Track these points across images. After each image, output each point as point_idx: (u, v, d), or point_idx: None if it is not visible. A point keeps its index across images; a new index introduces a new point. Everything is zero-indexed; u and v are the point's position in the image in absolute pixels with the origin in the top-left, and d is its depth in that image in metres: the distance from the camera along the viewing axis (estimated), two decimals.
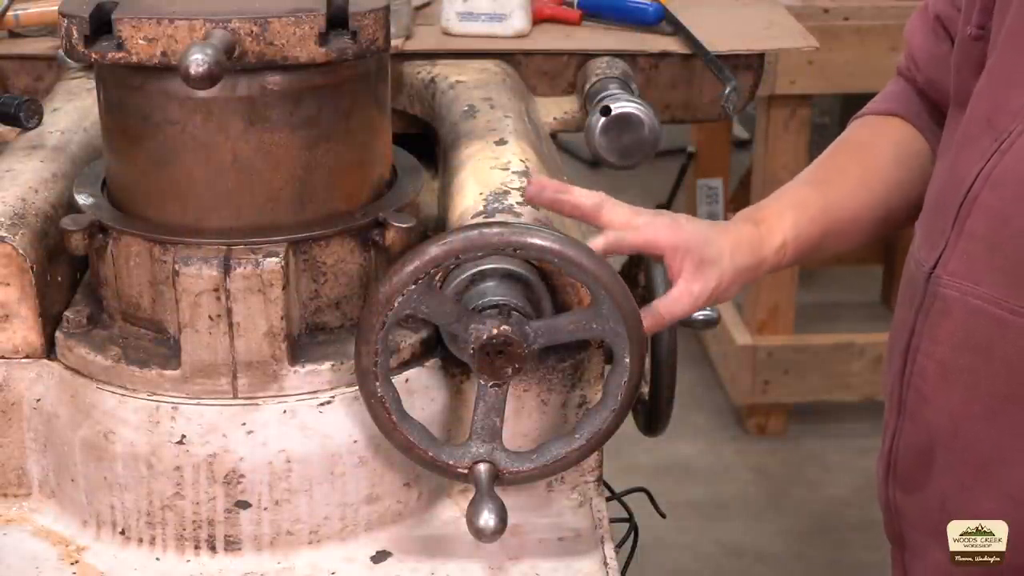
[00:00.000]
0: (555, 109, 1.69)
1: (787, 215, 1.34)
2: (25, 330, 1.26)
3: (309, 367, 1.23)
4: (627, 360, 1.18)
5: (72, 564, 1.22)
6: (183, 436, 1.21)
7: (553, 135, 1.67)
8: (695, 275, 1.25)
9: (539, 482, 1.27)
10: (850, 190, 1.39)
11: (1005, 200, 1.19)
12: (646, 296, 1.36)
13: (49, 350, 1.27)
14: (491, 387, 1.18)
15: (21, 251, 1.23)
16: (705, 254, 1.25)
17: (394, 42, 1.46)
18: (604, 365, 1.28)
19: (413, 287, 1.14)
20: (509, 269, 1.22)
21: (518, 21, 1.74)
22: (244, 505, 1.21)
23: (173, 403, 1.21)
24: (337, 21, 1.19)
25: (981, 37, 1.25)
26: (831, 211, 1.37)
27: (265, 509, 1.22)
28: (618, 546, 1.31)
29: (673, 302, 1.25)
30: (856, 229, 1.40)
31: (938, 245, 1.26)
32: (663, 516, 1.59)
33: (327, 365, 1.23)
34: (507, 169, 1.36)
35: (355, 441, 1.23)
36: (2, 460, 1.28)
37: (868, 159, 1.42)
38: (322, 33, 1.18)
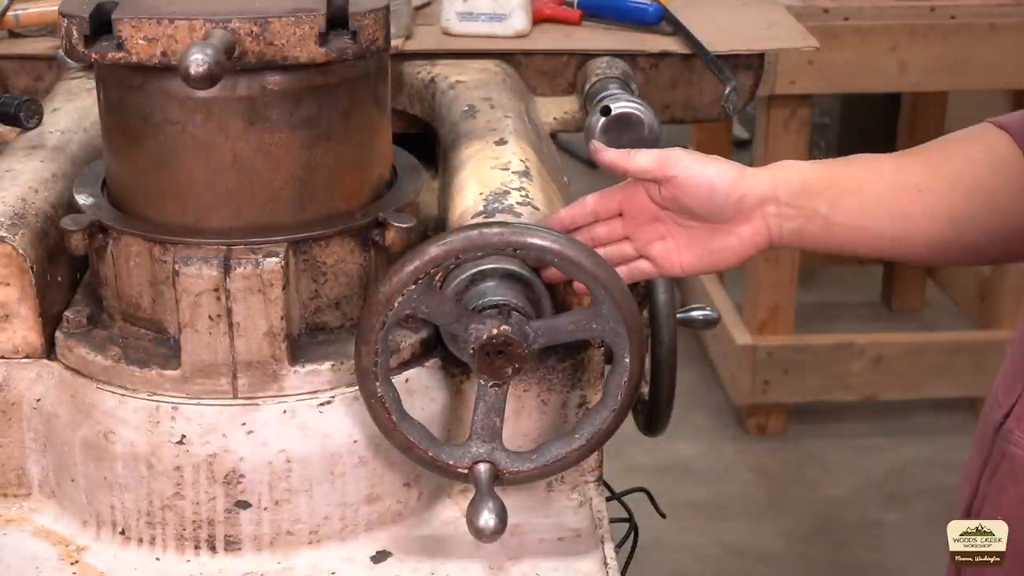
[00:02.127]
0: (555, 109, 1.69)
1: (805, 162, 1.20)
2: (25, 330, 1.26)
3: (309, 367, 1.23)
4: (627, 360, 1.18)
5: (72, 564, 1.22)
6: (183, 436, 1.21)
7: (553, 135, 1.67)
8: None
9: (539, 482, 1.27)
10: (899, 168, 1.19)
11: None
12: (646, 296, 1.36)
13: (49, 350, 1.27)
14: (491, 387, 1.18)
15: (21, 251, 1.23)
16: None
17: (394, 42, 1.46)
18: (604, 365, 1.28)
19: (413, 287, 1.14)
20: (509, 269, 1.22)
21: (518, 21, 1.74)
22: (244, 505, 1.21)
23: (173, 403, 1.21)
24: (337, 21, 1.19)
25: None
26: (865, 173, 1.18)
27: (265, 509, 1.22)
28: (618, 546, 1.31)
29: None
30: (895, 206, 1.16)
31: (1014, 389, 1.12)
32: (663, 516, 1.59)
33: (327, 365, 1.23)
34: (507, 169, 1.36)
35: (355, 441, 1.23)
36: (2, 460, 1.28)
37: (942, 150, 1.21)
38: (322, 33, 1.18)
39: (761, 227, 1.16)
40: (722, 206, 1.15)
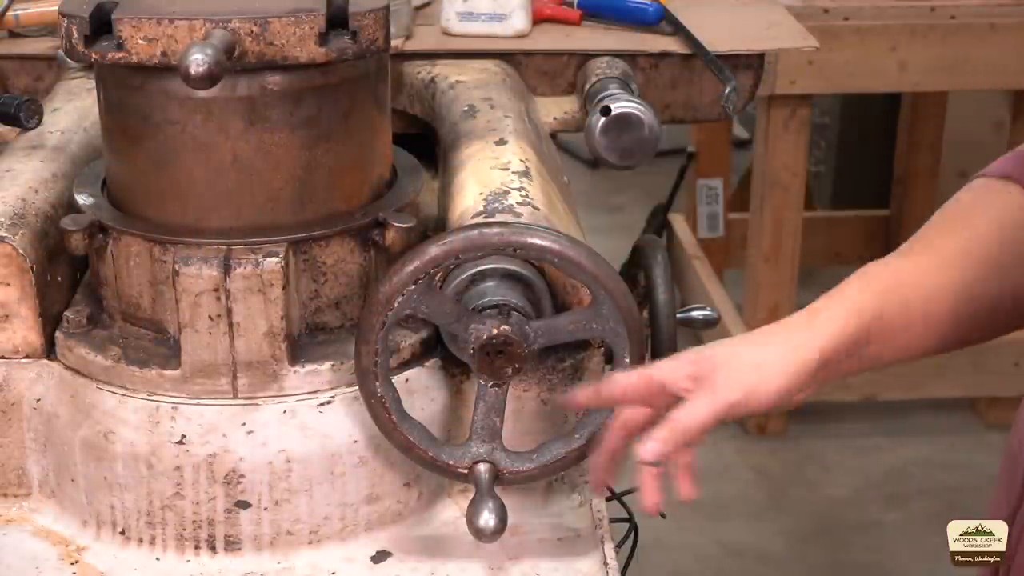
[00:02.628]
0: (555, 109, 1.69)
1: (851, 283, 1.16)
2: (25, 330, 1.26)
3: (309, 367, 1.23)
4: (627, 360, 1.18)
5: (72, 564, 1.22)
6: (183, 436, 1.21)
7: (553, 135, 1.67)
8: (700, 386, 1.08)
9: (539, 482, 1.27)
10: (938, 265, 1.14)
11: None
12: (646, 296, 1.36)
13: (49, 350, 1.27)
14: (491, 387, 1.18)
15: (21, 251, 1.23)
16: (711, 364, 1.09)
17: (394, 42, 1.46)
18: (604, 365, 1.28)
19: (413, 287, 1.14)
20: (509, 269, 1.22)
21: (518, 21, 1.74)
22: (244, 505, 1.21)
23: (173, 403, 1.21)
24: (337, 21, 1.19)
25: None
26: (912, 281, 1.14)
27: (265, 509, 1.22)
28: (618, 546, 1.31)
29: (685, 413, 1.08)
30: (928, 321, 1.13)
31: None
32: (663, 516, 1.59)
33: (327, 365, 1.23)
34: (507, 169, 1.36)
35: (355, 441, 1.23)
36: (2, 460, 1.28)
37: (966, 229, 1.16)
38: (322, 33, 1.18)
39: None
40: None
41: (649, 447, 1.06)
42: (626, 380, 1.12)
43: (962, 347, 1.18)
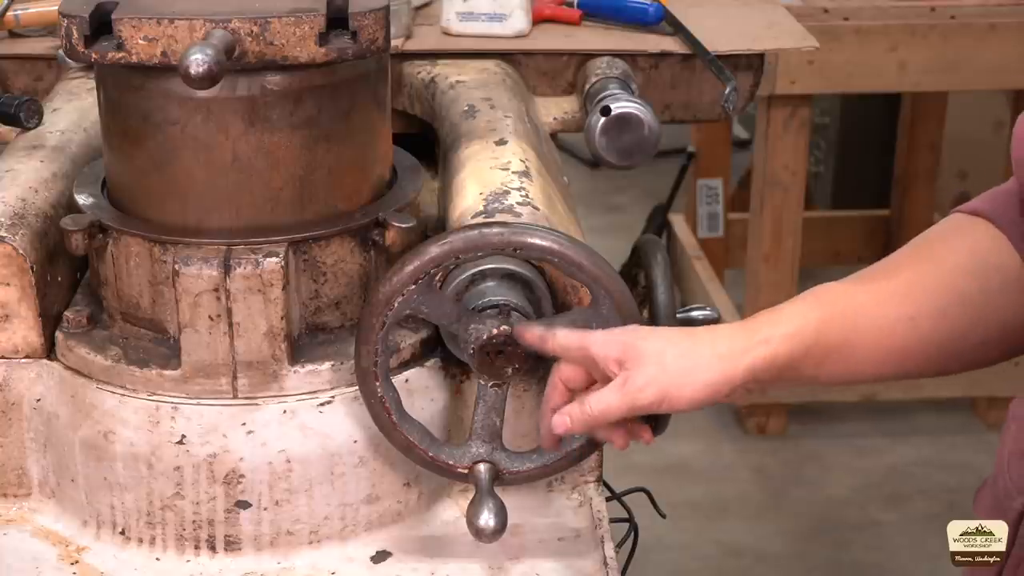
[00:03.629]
0: (555, 109, 1.69)
1: (796, 304, 1.16)
2: (25, 330, 1.26)
3: (309, 367, 1.23)
4: None
5: (72, 564, 1.22)
6: (183, 436, 1.21)
7: (553, 135, 1.67)
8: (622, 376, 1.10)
9: (539, 482, 1.27)
10: (892, 294, 1.13)
11: None
12: (646, 296, 1.36)
13: (49, 350, 1.27)
14: (491, 387, 1.18)
15: (21, 251, 1.23)
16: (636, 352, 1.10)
17: (394, 42, 1.46)
18: None
19: (413, 287, 1.14)
20: (509, 269, 1.22)
21: (518, 21, 1.74)
22: (244, 505, 1.21)
23: (173, 403, 1.21)
24: (337, 21, 1.19)
25: None
26: (860, 310, 1.12)
27: (265, 509, 1.22)
28: (618, 546, 1.31)
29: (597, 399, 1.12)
30: (876, 349, 1.12)
31: None
32: (663, 516, 1.59)
33: (327, 365, 1.23)
34: (507, 169, 1.36)
35: (355, 441, 1.23)
36: (2, 460, 1.28)
37: (929, 261, 1.15)
38: (322, 33, 1.18)
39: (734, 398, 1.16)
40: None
41: (558, 421, 1.14)
42: (566, 340, 1.14)
43: (942, 375, 1.17)
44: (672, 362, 1.10)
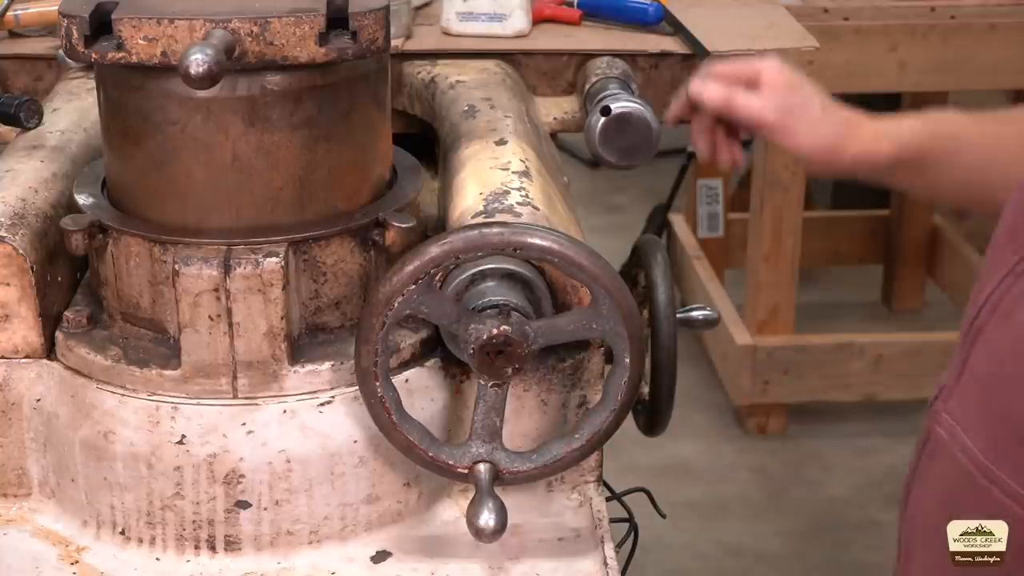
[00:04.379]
0: (555, 109, 1.69)
1: (914, 117, 1.29)
2: (25, 330, 1.26)
3: (309, 367, 1.23)
4: (627, 360, 1.18)
5: (72, 564, 1.22)
6: (183, 436, 1.21)
7: (553, 135, 1.67)
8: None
9: (539, 482, 1.27)
10: (998, 136, 1.28)
11: (1004, 337, 1.03)
12: (646, 296, 1.36)
13: (49, 350, 1.27)
14: (491, 387, 1.18)
15: (21, 251, 1.23)
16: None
17: (394, 42, 1.46)
18: (604, 365, 1.28)
19: (413, 287, 1.14)
20: (509, 269, 1.22)
21: (518, 21, 1.74)
22: (244, 505, 1.21)
23: (173, 403, 1.21)
24: (337, 21, 1.19)
25: None
26: (968, 137, 1.28)
27: (265, 509, 1.22)
28: (618, 546, 1.31)
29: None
30: (982, 175, 1.27)
31: (949, 371, 1.11)
32: (663, 516, 1.59)
33: (327, 365, 1.23)
34: (507, 169, 1.36)
35: (355, 441, 1.23)
36: (2, 460, 1.28)
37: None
38: (322, 33, 1.18)
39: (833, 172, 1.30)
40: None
41: (698, 85, 1.30)
42: (729, 67, 1.30)
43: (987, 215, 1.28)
44: (813, 105, 1.29)
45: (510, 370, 1.16)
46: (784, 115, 1.26)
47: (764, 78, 1.28)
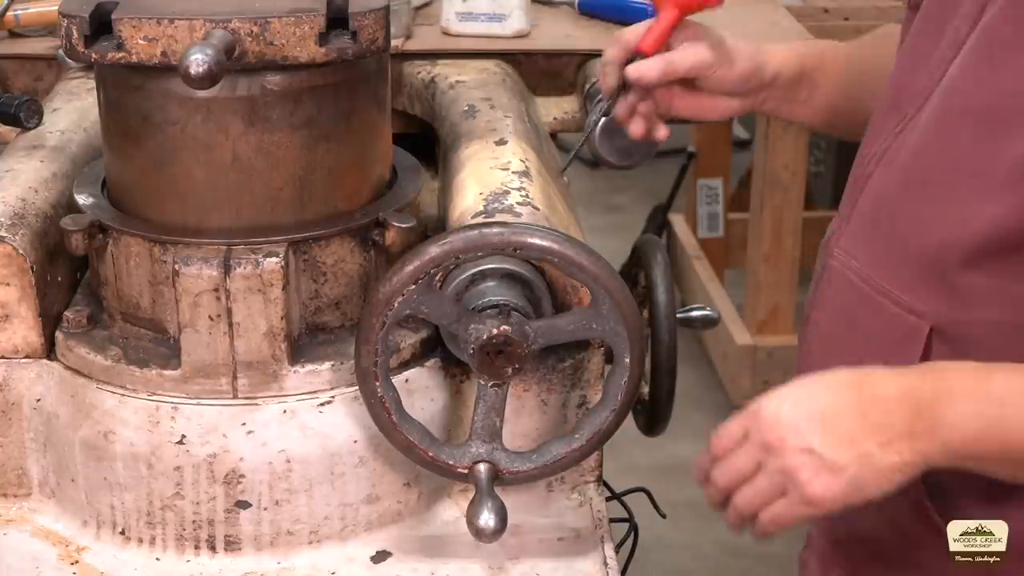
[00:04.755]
0: (555, 109, 1.69)
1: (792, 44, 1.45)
2: (25, 330, 1.26)
3: (309, 367, 1.23)
4: (627, 360, 1.18)
5: (72, 564, 1.22)
6: (183, 436, 1.21)
7: (553, 135, 1.67)
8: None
9: (539, 482, 1.27)
10: (851, 51, 1.45)
11: (887, 180, 1.23)
12: (646, 296, 1.36)
13: (49, 350, 1.27)
14: (491, 387, 1.18)
15: (21, 251, 1.23)
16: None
17: (394, 42, 1.46)
18: (604, 365, 1.28)
19: (413, 287, 1.14)
20: (509, 269, 1.22)
21: (518, 21, 1.74)
22: (244, 505, 1.21)
23: (173, 403, 1.21)
24: (337, 21, 1.19)
25: (916, 7, 1.28)
26: (840, 54, 1.43)
27: (265, 509, 1.22)
28: (618, 546, 1.31)
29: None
30: (861, 92, 1.41)
31: (841, 217, 1.30)
32: (663, 516, 1.59)
33: (327, 365, 1.23)
34: (507, 169, 1.36)
35: (355, 441, 1.23)
36: (2, 460, 1.28)
37: (880, 44, 1.44)
38: (322, 33, 1.18)
39: (748, 105, 1.41)
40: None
41: (632, 68, 1.35)
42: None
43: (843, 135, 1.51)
44: (729, 40, 1.38)
45: (510, 370, 1.16)
46: (718, 48, 1.35)
47: (676, 42, 1.36)
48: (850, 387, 1.11)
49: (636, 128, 1.38)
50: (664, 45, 1.36)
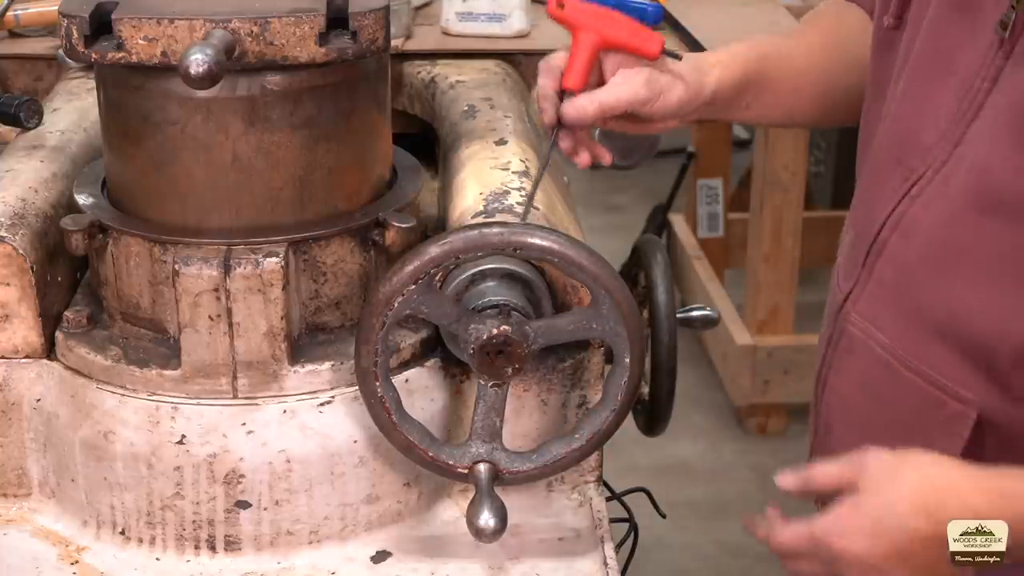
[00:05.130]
0: None
1: (736, 43, 1.36)
2: (25, 330, 1.26)
3: (309, 367, 1.23)
4: (627, 360, 1.18)
5: (72, 564, 1.22)
6: (183, 436, 1.21)
7: None
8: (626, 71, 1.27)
9: (539, 482, 1.27)
10: (811, 46, 1.39)
11: (913, 252, 1.17)
12: (646, 296, 1.36)
13: (49, 350, 1.27)
14: (491, 387, 1.18)
15: (21, 251, 1.23)
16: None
17: (394, 42, 1.46)
18: (604, 365, 1.28)
19: (413, 287, 1.14)
20: (509, 269, 1.22)
21: (518, 21, 1.74)
22: (244, 505, 1.21)
23: (173, 403, 1.21)
24: (337, 21, 1.19)
25: (898, 27, 1.24)
26: (786, 53, 1.37)
27: (265, 509, 1.22)
28: (618, 546, 1.31)
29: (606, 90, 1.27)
30: (796, 93, 1.37)
31: (852, 277, 1.26)
32: (663, 516, 1.59)
33: (327, 365, 1.23)
34: (507, 169, 1.36)
35: (355, 441, 1.23)
36: (2, 460, 1.28)
37: (831, 27, 1.41)
38: (322, 33, 1.18)
39: (686, 122, 1.35)
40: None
41: (569, 109, 1.25)
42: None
43: (830, 126, 1.49)
44: (663, 69, 1.28)
45: (510, 370, 1.16)
46: (652, 82, 1.27)
47: (607, 69, 1.27)
48: (926, 515, 1.09)
49: (582, 159, 1.30)
50: (595, 68, 1.27)
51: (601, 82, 1.27)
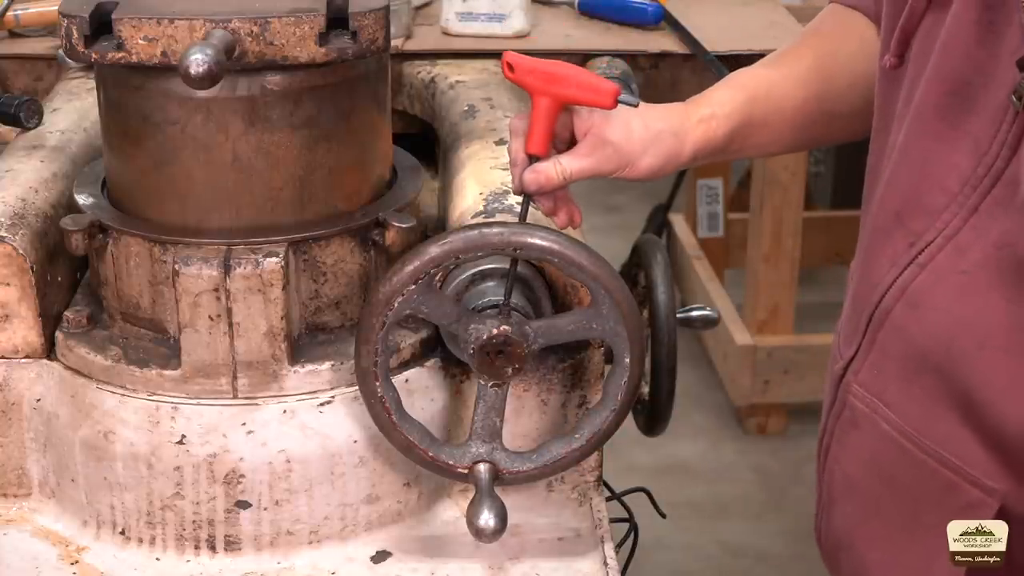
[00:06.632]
0: None
1: (722, 89, 1.26)
2: (25, 330, 1.26)
3: (309, 367, 1.23)
4: (627, 360, 1.18)
5: (72, 564, 1.22)
6: (183, 436, 1.21)
7: None
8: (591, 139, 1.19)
9: (539, 482, 1.27)
10: (802, 74, 1.28)
11: (922, 326, 1.10)
12: (646, 296, 1.36)
13: (49, 350, 1.27)
14: (491, 387, 1.18)
15: (21, 251, 1.23)
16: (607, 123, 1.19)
17: (394, 42, 1.46)
18: (604, 365, 1.28)
19: (413, 287, 1.14)
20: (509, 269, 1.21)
21: (518, 21, 1.74)
22: (244, 505, 1.21)
23: (173, 403, 1.21)
24: (337, 21, 1.19)
25: (900, 65, 1.15)
26: (775, 91, 1.27)
27: (265, 509, 1.22)
28: (618, 546, 1.31)
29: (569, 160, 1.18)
30: (780, 126, 1.28)
31: (852, 343, 1.18)
32: (663, 516, 1.59)
33: (327, 365, 1.23)
34: (507, 169, 1.36)
35: (355, 441, 1.23)
36: (2, 460, 1.28)
37: (830, 45, 1.31)
38: (322, 33, 1.18)
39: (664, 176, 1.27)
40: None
41: (530, 179, 1.17)
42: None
43: (833, 144, 1.43)
44: (636, 133, 1.19)
45: (510, 370, 1.16)
46: (620, 156, 1.18)
47: (576, 127, 1.19)
48: None
49: (561, 219, 1.22)
50: (563, 120, 1.19)
51: (573, 140, 1.20)
